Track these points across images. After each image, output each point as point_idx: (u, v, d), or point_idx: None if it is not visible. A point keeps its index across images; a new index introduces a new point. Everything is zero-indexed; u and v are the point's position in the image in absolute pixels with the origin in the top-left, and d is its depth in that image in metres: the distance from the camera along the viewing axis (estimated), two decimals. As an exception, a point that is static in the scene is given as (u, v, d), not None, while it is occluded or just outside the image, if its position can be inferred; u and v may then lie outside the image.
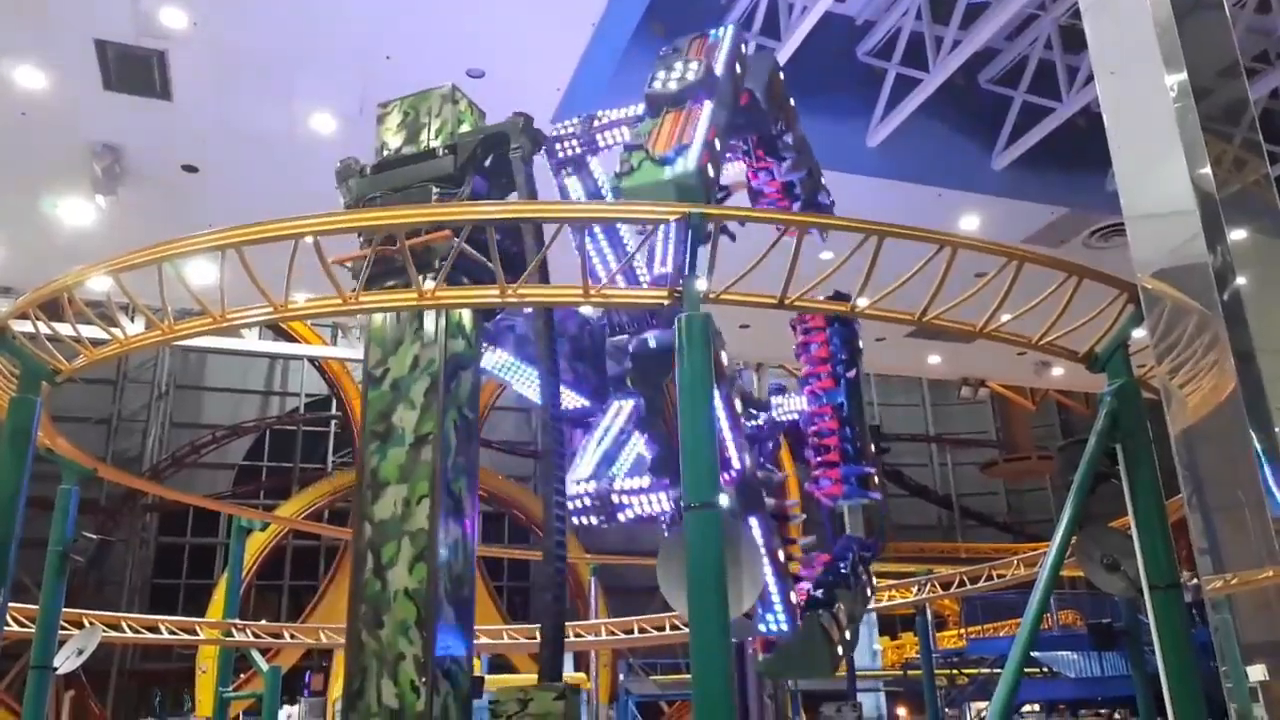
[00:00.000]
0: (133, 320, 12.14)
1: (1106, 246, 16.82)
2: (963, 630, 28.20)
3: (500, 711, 6.45)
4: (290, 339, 32.64)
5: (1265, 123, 5.59)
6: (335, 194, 8.24)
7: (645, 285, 7.90)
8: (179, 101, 11.71)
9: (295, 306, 7.30)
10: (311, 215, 6.91)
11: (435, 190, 7.66)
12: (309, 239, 6.85)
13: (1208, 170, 5.07)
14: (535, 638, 20.59)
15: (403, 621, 6.57)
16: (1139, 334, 7.01)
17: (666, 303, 6.54)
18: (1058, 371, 22.74)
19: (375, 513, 6.92)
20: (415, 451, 7.00)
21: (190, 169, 13.05)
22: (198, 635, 17.76)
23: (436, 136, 8.05)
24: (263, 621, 20.07)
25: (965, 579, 19.64)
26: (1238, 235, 5.00)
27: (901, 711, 26.18)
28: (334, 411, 39.67)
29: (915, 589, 20.25)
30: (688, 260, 6.26)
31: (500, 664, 25.94)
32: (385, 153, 8.12)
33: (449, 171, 7.79)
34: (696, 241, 6.27)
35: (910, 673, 24.05)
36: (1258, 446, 4.68)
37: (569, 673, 17.24)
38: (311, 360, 37.30)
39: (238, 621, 17.11)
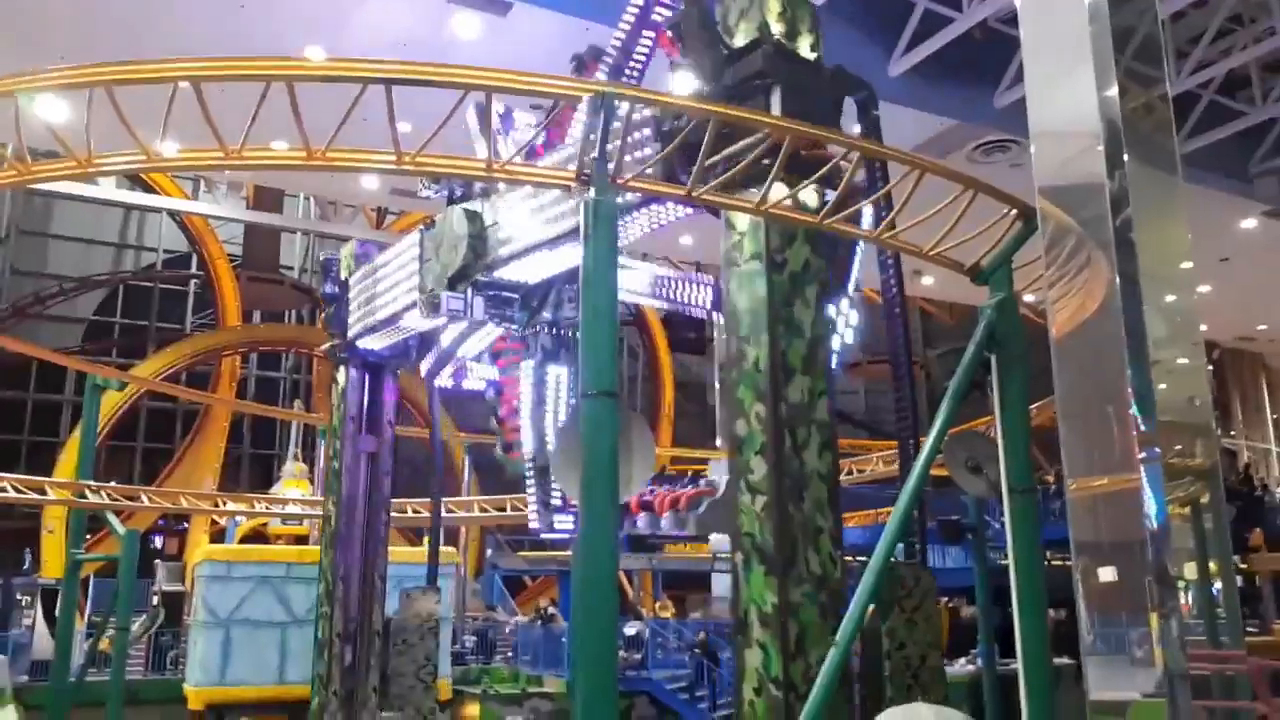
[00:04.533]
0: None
1: (988, 162, 17.28)
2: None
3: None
4: (148, 189, 30.64)
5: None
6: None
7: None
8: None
9: (171, 157, 6.79)
10: (189, 59, 6.34)
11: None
12: (184, 84, 6.31)
13: (1114, 93, 5.22)
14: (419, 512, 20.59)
15: (819, 499, 7.27)
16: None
17: (573, 183, 6.37)
18: (927, 280, 23.54)
19: (789, 394, 7.35)
20: (814, 349, 7.52)
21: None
22: (47, 495, 17.01)
23: (811, 51, 8.13)
24: (114, 484, 19.36)
25: (826, 472, 20.49)
26: (1134, 162, 5.19)
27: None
28: (195, 270, 37.84)
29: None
30: (598, 142, 6.08)
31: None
32: (766, 30, 7.81)
33: (838, 96, 8.13)
34: (609, 122, 6.09)
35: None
36: (1128, 362, 5.00)
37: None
38: (171, 214, 35.25)
39: (92, 483, 16.45)
